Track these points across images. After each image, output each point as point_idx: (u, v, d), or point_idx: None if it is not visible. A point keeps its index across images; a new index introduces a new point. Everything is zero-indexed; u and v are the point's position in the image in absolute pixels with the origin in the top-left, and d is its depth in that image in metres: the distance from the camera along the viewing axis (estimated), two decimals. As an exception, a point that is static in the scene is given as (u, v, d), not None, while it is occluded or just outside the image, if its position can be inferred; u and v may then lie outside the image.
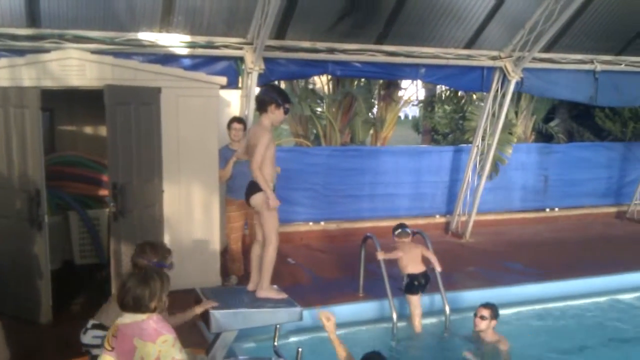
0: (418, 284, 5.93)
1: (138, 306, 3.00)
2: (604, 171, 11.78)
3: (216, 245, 6.72)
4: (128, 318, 3.02)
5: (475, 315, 5.39)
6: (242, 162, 6.75)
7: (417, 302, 5.99)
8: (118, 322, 3.04)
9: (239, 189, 6.84)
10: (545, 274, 7.61)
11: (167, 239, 6.37)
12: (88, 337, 3.81)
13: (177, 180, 6.38)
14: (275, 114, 4.44)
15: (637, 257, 8.52)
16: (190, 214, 6.51)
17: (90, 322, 3.87)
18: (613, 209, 11.88)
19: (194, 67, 7.07)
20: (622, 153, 11.88)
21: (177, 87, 6.24)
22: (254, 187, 4.49)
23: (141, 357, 2.93)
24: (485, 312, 5.31)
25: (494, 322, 5.33)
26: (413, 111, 27.17)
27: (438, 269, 6.04)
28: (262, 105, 4.47)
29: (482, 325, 5.31)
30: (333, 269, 7.79)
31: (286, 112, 4.52)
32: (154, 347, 2.94)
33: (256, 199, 4.46)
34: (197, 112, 6.36)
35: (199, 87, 6.38)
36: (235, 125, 6.77)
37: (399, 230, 6.22)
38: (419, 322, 6.00)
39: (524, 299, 6.91)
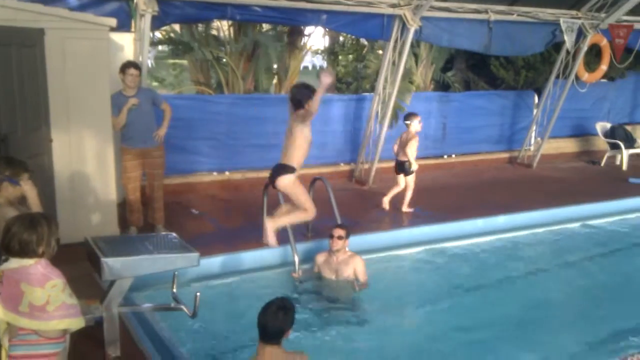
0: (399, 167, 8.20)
1: (25, 251, 2.93)
2: (497, 119, 12.34)
3: (112, 196, 6.48)
4: (15, 263, 2.93)
5: (332, 237, 5.71)
6: (137, 110, 6.52)
7: (399, 180, 8.24)
8: (3, 268, 2.93)
9: (134, 137, 6.64)
10: (442, 216, 7.98)
11: (59, 191, 6.09)
12: None
13: (67, 129, 6.03)
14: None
15: (526, 198, 9.11)
16: (83, 164, 6.20)
17: None
18: (505, 155, 12.55)
19: (80, 8, 6.59)
20: (514, 101, 12.48)
21: (62, 28, 5.81)
22: (280, 169, 5.71)
23: (29, 302, 2.84)
24: (342, 232, 5.69)
25: (347, 242, 5.75)
26: (320, 61, 27.09)
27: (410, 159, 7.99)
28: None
29: (339, 244, 5.67)
30: (238, 218, 7.77)
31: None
32: (43, 292, 2.87)
33: (282, 181, 5.75)
34: (85, 55, 5.99)
35: (86, 28, 5.97)
36: (131, 70, 6.45)
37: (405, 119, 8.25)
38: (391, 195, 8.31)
39: (421, 240, 7.23)
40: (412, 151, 7.91)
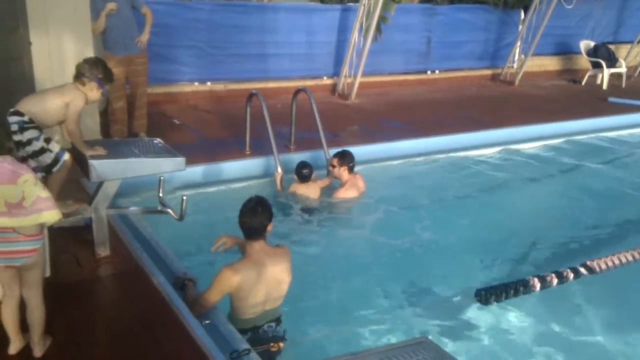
0: None
1: None
2: (482, 34, 12.21)
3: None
4: None
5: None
6: (116, 14, 6.35)
7: None
8: None
9: (117, 44, 6.51)
10: (421, 130, 8.05)
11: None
12: (8, 123, 3.94)
13: (46, 32, 5.86)
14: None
15: (507, 115, 9.21)
16: (63, 69, 6.02)
17: (10, 110, 4.02)
18: (488, 72, 12.54)
19: None
20: (499, 17, 12.29)
21: None
22: None
23: (5, 201, 2.80)
24: (334, 161, 5.95)
25: (344, 168, 5.92)
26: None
27: None
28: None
29: (335, 172, 5.96)
30: (220, 129, 7.77)
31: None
32: (16, 189, 2.82)
33: None
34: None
35: None
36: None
37: None
38: None
39: (401, 153, 7.34)
40: None
